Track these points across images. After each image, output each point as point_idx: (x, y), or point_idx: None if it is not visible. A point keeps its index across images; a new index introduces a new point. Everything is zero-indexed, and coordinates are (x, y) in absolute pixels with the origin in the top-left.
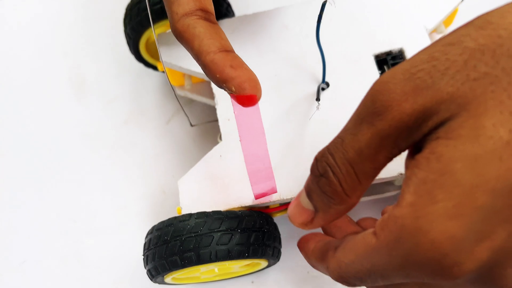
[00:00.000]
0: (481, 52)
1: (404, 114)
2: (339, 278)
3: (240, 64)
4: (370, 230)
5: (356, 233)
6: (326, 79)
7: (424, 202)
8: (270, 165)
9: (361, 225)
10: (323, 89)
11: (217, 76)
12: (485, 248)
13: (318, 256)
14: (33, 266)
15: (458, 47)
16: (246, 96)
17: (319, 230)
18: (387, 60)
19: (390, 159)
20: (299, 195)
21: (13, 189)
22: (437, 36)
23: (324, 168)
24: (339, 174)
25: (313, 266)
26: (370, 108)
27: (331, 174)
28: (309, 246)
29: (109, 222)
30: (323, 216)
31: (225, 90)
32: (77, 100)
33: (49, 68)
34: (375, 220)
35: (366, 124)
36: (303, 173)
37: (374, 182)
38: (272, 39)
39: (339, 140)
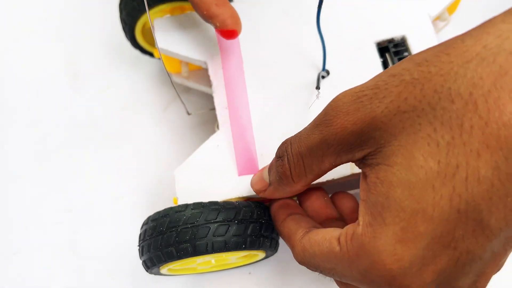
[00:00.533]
0: (413, 86)
1: (345, 131)
2: (301, 262)
3: (223, 2)
4: (337, 234)
5: (332, 219)
6: (327, 67)
7: (378, 223)
8: (254, 145)
9: (336, 204)
10: (323, 77)
11: (204, 12)
12: (429, 271)
13: (286, 232)
14: (27, 257)
15: (397, 79)
16: (228, 31)
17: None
18: (389, 48)
19: (333, 166)
20: (264, 167)
21: (8, 178)
22: (441, 24)
23: (282, 152)
24: (291, 161)
25: (280, 236)
26: (323, 118)
27: (285, 159)
28: (280, 215)
29: (105, 212)
30: (272, 190)
31: (211, 24)
32: (71, 88)
33: (43, 56)
34: (350, 198)
35: (318, 130)
36: None
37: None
38: (271, 25)
39: (299, 135)
